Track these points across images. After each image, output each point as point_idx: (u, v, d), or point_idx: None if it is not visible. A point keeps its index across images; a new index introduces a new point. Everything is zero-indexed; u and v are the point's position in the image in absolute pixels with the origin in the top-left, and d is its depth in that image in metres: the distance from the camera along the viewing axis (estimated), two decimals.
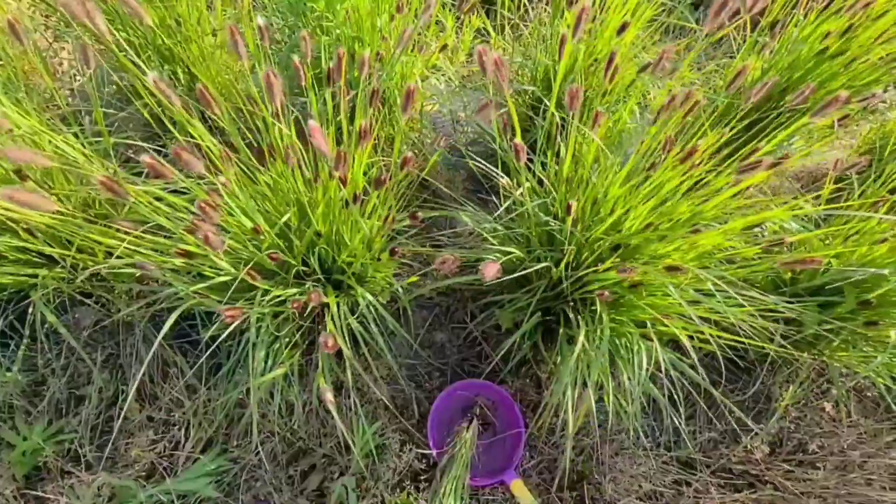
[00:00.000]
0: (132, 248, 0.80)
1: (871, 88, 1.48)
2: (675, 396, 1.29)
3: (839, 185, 1.42)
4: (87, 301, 1.26)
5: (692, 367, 1.08)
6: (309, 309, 0.99)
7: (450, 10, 1.92)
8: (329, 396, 0.82)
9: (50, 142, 0.88)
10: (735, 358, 1.27)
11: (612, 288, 0.93)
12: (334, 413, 0.89)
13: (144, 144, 1.01)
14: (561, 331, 1.12)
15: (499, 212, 1.05)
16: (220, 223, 0.81)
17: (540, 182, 1.23)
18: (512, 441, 1.27)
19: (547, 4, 1.88)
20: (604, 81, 0.90)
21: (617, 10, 1.32)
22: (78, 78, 1.83)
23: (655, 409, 1.36)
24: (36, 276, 1.05)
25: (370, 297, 1.03)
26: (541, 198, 1.03)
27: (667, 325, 0.91)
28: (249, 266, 0.79)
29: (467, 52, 1.88)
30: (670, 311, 0.92)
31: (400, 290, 1.15)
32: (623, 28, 1.06)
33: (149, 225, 0.81)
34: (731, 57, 1.98)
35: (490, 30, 1.79)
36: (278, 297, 0.92)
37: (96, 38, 1.21)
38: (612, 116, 1.22)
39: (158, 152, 1.25)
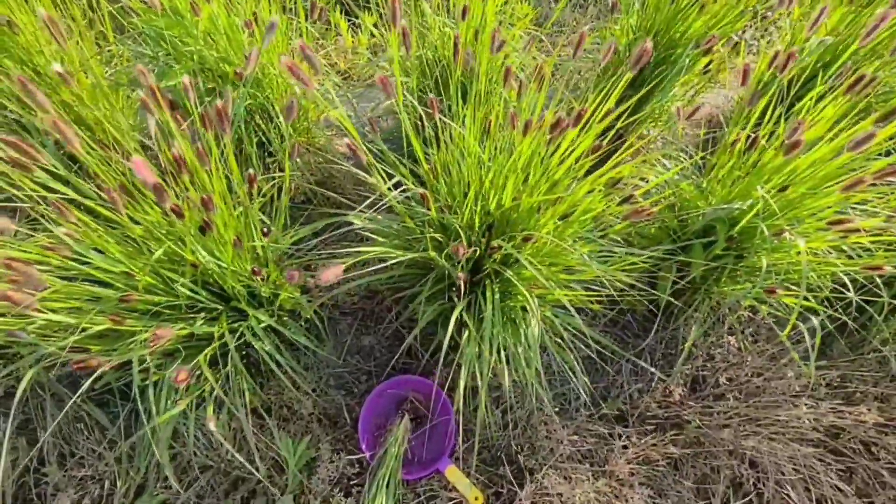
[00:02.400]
0: None
1: (733, 31, 1.55)
2: (590, 358, 1.34)
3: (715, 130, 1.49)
4: None
5: (594, 326, 1.12)
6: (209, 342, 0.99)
7: (341, 13, 1.92)
8: (212, 425, 0.82)
9: None
10: (646, 312, 1.32)
11: (494, 269, 0.96)
12: (221, 439, 0.89)
13: None
14: (464, 316, 1.15)
15: (361, 207, 1.07)
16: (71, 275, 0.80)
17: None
18: (444, 429, 1.30)
19: None
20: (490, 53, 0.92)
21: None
22: None
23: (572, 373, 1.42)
24: None
25: (265, 319, 1.03)
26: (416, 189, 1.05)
27: (551, 292, 0.95)
28: (94, 313, 0.78)
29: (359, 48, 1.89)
30: (550, 279, 0.95)
31: (304, 303, 1.15)
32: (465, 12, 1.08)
33: None
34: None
35: (373, 29, 1.80)
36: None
37: None
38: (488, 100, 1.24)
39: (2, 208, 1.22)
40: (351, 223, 1.28)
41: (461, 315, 1.28)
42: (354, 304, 1.56)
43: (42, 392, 1.23)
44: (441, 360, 1.38)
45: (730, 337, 1.36)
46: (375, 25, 1.86)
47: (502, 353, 1.02)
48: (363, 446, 1.25)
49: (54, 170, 0.81)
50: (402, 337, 1.50)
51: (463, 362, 1.01)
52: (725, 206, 1.11)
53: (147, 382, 0.97)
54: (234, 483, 1.28)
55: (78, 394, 0.94)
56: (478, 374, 1.10)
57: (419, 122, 1.51)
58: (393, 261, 1.04)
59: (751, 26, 1.73)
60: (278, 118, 1.40)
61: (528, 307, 1.01)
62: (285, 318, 1.25)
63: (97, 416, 1.22)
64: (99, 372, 0.80)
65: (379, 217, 1.22)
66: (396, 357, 1.45)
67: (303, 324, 1.36)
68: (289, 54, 1.37)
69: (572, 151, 0.98)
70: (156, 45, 1.32)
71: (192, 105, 0.89)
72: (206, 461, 1.26)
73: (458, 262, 1.05)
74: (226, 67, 1.32)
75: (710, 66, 1.61)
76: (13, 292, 0.60)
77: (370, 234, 1.16)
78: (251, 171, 0.99)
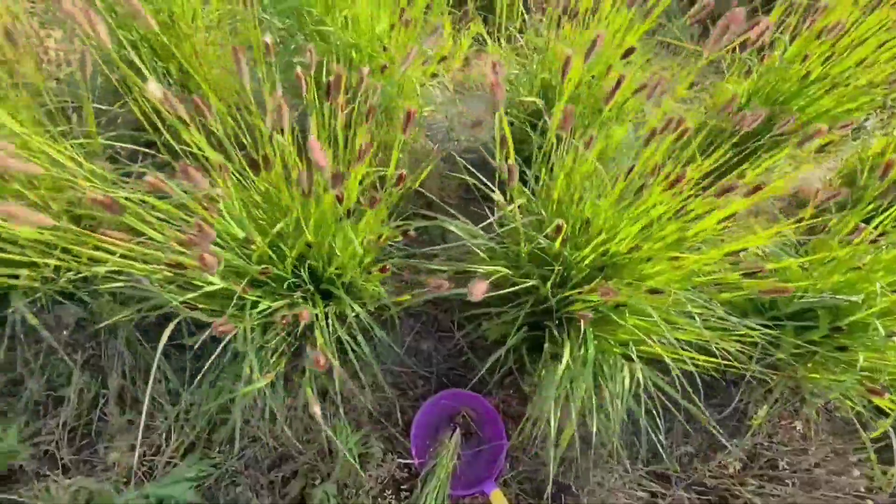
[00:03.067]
0: (120, 258, 0.79)
1: (854, 115, 1.52)
2: (654, 412, 1.32)
3: (822, 209, 1.47)
4: (67, 302, 1.24)
5: (671, 384, 1.11)
6: (298, 322, 0.99)
7: (448, 16, 1.92)
8: (317, 409, 0.83)
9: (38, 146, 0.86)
10: (714, 375, 1.30)
11: (597, 308, 0.95)
12: (321, 422, 0.89)
13: (137, 147, 0.99)
14: (546, 346, 1.14)
15: (485, 223, 1.07)
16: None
17: (533, 193, 1.24)
18: (493, 452, 1.29)
19: (543, 14, 1.89)
20: (603, 103, 0.91)
21: (611, 25, 1.34)
22: (64, 67, 1.78)
23: (633, 423, 1.40)
24: (16, 276, 1.03)
25: (358, 309, 1.03)
26: (533, 214, 1.04)
27: (650, 346, 0.93)
28: (245, 283, 0.79)
29: (464, 58, 1.89)
30: (652, 332, 0.94)
31: (389, 302, 1.15)
32: (629, 52, 1.08)
33: (140, 238, 0.80)
34: (717, 73, 2.02)
35: (486, 37, 1.80)
36: (267, 308, 0.92)
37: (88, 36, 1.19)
38: (605, 134, 1.23)
39: (147, 154, 1.23)
40: (446, 228, 1.28)
41: (527, 344, 1.28)
42: (419, 305, 1.56)
43: (116, 332, 1.24)
44: (498, 379, 1.39)
45: (797, 421, 1.33)
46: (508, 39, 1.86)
47: (578, 394, 1.01)
48: (413, 451, 1.25)
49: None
50: (460, 347, 1.49)
51: (547, 396, 0.99)
52: (833, 295, 1.09)
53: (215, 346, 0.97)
54: (277, 460, 1.28)
55: (160, 347, 0.94)
56: (548, 410, 1.09)
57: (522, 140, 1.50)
58: (493, 278, 1.03)
59: (875, 115, 1.71)
60: (391, 113, 1.40)
61: (622, 358, 1.00)
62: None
63: (164, 369, 1.23)
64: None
65: (478, 230, 1.22)
66: (454, 368, 1.45)
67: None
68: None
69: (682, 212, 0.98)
70: (288, 17, 1.33)
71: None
72: (256, 432, 1.26)
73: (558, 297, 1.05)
74: (353, 54, 1.33)
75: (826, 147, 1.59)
76: (207, 256, 0.61)
77: (473, 247, 1.15)
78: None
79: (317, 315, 1.00)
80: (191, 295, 0.85)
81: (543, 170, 1.18)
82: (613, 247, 0.96)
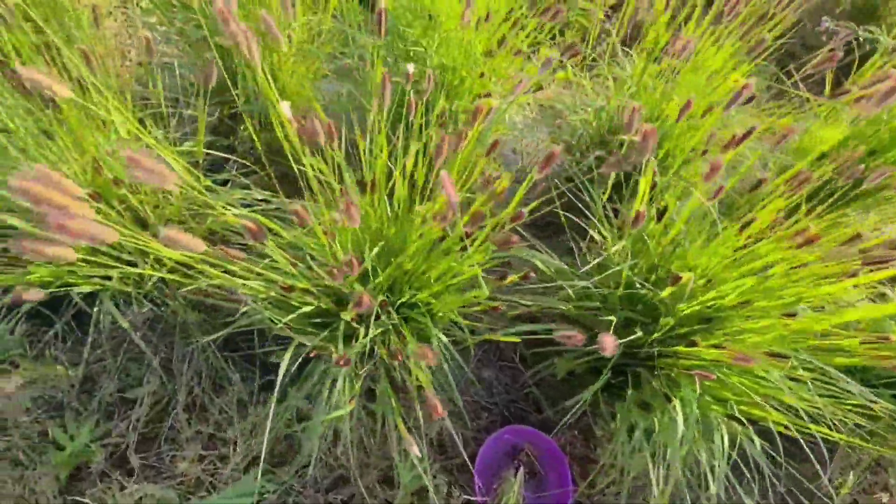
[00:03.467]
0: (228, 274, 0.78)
1: None
2: (748, 475, 1.26)
3: None
4: (145, 302, 1.24)
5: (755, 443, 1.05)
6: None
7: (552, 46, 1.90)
8: (415, 450, 0.80)
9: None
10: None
11: (707, 365, 0.90)
12: (395, 455, 0.85)
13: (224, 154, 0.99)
14: (630, 392, 1.09)
15: (586, 267, 1.03)
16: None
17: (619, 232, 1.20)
18: (558, 498, 1.24)
19: (625, 44, 1.86)
20: (721, 150, 0.88)
21: (711, 63, 1.30)
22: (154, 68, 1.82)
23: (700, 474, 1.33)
24: (109, 278, 1.04)
25: (444, 339, 1.01)
26: (631, 258, 1.01)
27: (758, 409, 0.88)
28: (351, 308, 0.77)
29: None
30: (761, 393, 0.89)
31: (467, 332, 1.12)
32: (734, 99, 1.04)
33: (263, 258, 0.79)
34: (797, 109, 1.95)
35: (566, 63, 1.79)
36: (362, 334, 0.90)
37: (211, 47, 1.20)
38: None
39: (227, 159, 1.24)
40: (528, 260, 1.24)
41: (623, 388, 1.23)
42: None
43: (189, 338, 1.24)
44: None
45: (882, 493, 1.25)
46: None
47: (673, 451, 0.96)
48: (476, 489, 1.21)
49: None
50: (522, 380, 1.45)
51: (616, 445, 0.94)
52: None
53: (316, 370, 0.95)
54: (336, 481, 1.25)
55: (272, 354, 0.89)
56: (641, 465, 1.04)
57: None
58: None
59: None
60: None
61: (719, 417, 0.95)
62: None
63: (234, 380, 1.22)
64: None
65: (564, 266, 1.19)
66: (515, 401, 1.40)
67: None
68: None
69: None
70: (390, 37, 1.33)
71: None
72: (321, 454, 1.24)
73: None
74: (449, 76, 1.32)
75: None
76: (366, 299, 0.59)
77: (565, 286, 1.11)
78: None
79: (405, 341, 0.97)
80: (291, 316, 0.83)
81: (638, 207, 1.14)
82: (723, 298, 0.92)
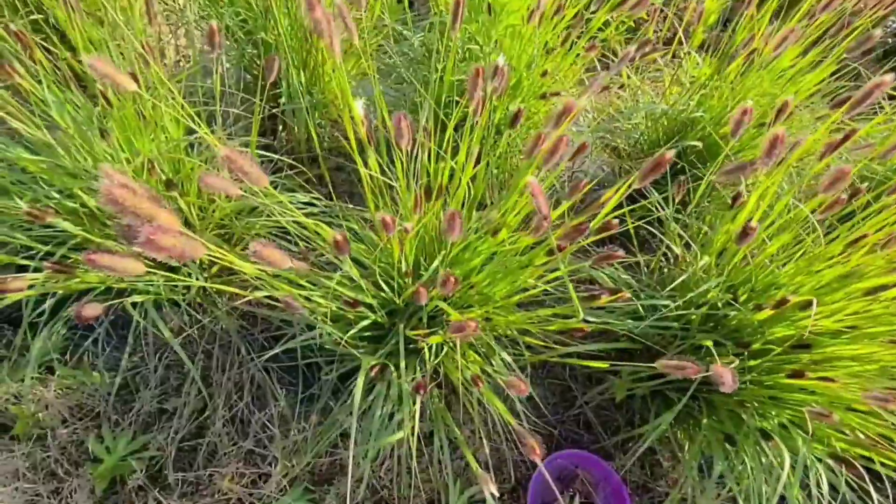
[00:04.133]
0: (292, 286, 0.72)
1: None
2: None
3: None
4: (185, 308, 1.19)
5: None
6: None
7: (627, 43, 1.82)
8: (492, 488, 0.72)
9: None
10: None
11: (817, 400, 0.81)
12: (447, 476, 0.77)
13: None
14: (705, 421, 1.00)
15: (667, 287, 0.94)
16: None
17: (687, 245, 1.12)
18: None
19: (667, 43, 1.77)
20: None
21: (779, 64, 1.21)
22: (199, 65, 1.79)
23: None
24: (151, 283, 0.99)
25: (508, 359, 0.93)
26: (715, 276, 0.92)
27: (863, 448, 0.79)
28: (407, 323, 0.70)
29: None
30: (872, 431, 0.79)
31: (526, 354, 1.05)
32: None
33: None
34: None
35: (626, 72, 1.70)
36: (419, 350, 0.83)
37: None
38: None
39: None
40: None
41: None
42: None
43: (227, 349, 1.19)
44: (620, 442, 1.24)
45: None
46: None
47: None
48: None
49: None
50: (572, 398, 1.36)
51: (691, 480, 0.85)
52: None
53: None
54: (380, 502, 1.18)
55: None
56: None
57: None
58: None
59: None
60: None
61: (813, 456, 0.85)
62: None
63: (276, 393, 1.16)
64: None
65: (633, 282, 1.10)
66: (565, 422, 1.32)
67: None
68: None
69: None
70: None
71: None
72: (360, 472, 1.17)
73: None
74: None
75: None
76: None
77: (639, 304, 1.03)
78: None
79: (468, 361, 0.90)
80: (352, 332, 0.77)
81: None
82: (822, 323, 0.83)
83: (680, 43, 1.66)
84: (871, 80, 0.81)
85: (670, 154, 0.60)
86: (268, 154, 1.23)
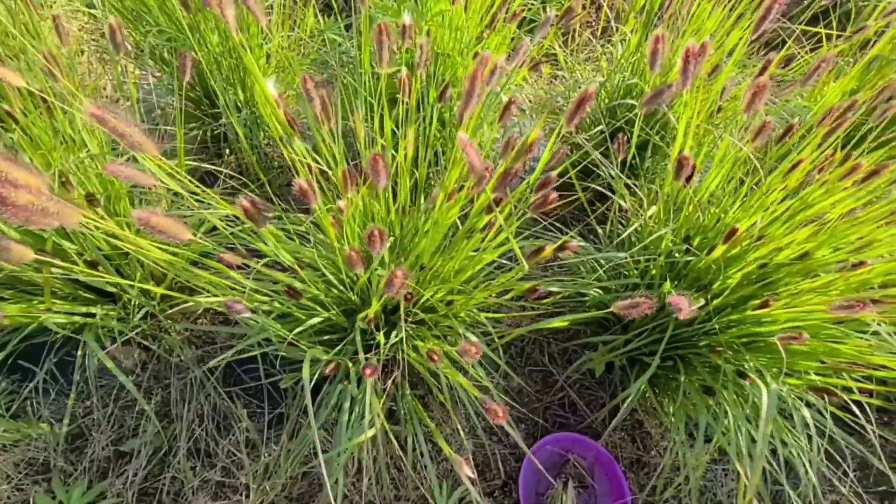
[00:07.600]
0: (223, 285, 0.67)
1: None
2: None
3: None
4: (133, 345, 1.13)
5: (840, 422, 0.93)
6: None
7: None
8: (467, 470, 0.67)
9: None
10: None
11: (788, 328, 0.79)
12: (465, 477, 0.72)
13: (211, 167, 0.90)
14: (683, 379, 0.97)
15: (610, 237, 0.93)
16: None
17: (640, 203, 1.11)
18: None
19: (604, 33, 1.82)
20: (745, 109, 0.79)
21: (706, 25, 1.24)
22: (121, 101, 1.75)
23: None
24: (92, 314, 0.92)
25: (473, 339, 0.89)
26: (667, 223, 0.91)
27: (841, 377, 0.77)
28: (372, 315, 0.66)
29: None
30: (846, 356, 0.78)
31: (496, 336, 1.01)
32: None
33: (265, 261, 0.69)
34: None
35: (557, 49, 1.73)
36: (381, 343, 0.79)
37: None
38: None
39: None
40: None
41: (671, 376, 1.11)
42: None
43: (185, 376, 1.12)
44: (607, 417, 1.21)
45: None
46: None
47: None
48: None
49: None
50: (553, 381, 1.33)
51: (677, 443, 0.83)
52: None
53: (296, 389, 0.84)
54: None
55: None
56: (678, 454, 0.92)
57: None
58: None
59: None
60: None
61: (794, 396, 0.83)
62: None
63: (242, 417, 1.09)
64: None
65: (591, 246, 1.09)
66: (549, 407, 1.28)
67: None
68: None
69: None
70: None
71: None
72: (344, 490, 1.10)
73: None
74: (437, 67, 1.24)
75: None
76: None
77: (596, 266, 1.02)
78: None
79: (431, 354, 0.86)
80: (299, 329, 0.72)
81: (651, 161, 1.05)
82: (777, 256, 0.82)
83: (615, 29, 1.71)
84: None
85: (593, 87, 0.59)
86: (208, 166, 1.19)
